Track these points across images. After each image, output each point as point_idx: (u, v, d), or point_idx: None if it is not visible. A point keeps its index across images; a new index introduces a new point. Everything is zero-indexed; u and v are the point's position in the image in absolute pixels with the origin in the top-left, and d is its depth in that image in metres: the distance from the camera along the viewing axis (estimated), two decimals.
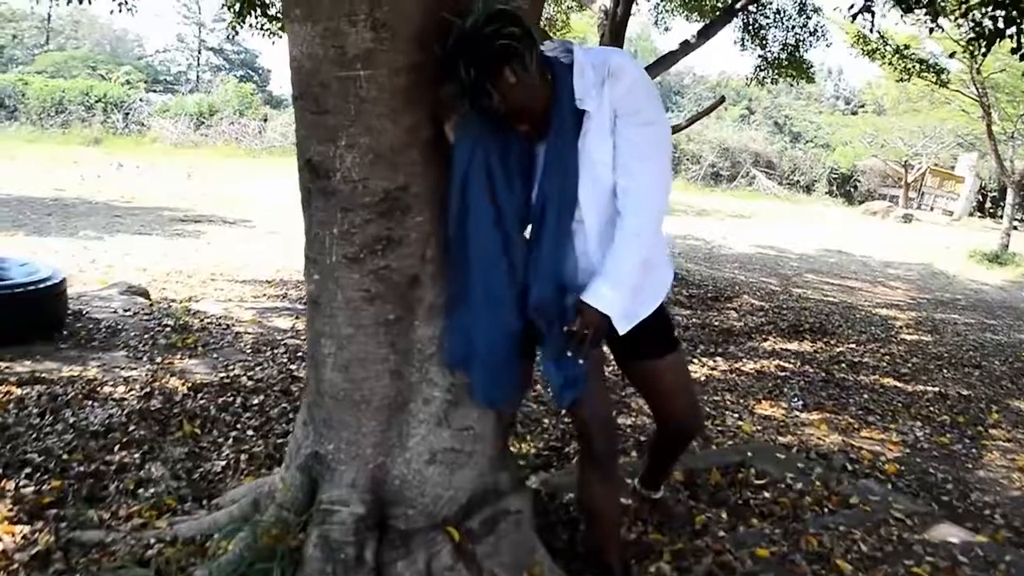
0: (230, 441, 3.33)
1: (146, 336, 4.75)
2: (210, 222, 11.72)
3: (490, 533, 2.17)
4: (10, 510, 2.60)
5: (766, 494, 3.10)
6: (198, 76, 47.25)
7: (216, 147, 27.59)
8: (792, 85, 11.68)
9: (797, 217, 21.99)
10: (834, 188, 32.00)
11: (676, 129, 9.42)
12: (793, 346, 6.39)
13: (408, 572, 2.04)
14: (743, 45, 10.69)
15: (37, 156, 18.92)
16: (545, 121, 1.91)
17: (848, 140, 32.01)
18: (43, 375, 3.88)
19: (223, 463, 3.10)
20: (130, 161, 20.34)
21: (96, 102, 29.12)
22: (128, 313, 5.25)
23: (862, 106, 37.25)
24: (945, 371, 6.08)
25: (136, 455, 3.12)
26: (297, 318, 5.67)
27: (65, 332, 4.63)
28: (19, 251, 6.74)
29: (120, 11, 7.01)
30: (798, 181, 31.54)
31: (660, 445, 2.59)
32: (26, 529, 2.49)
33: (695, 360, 5.53)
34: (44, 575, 2.24)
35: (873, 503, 3.07)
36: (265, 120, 30.95)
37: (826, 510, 3.00)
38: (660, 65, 8.74)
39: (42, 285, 4.41)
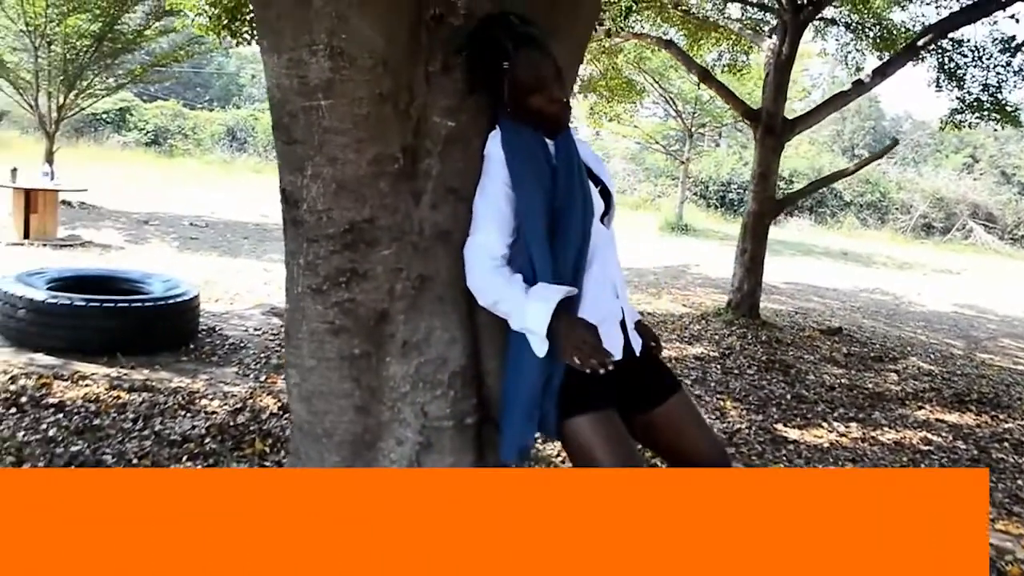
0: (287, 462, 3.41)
1: (262, 355, 5.01)
2: None
3: None
4: None
5: None
6: None
7: None
8: (996, 129, 10.61)
9: (1015, 276, 19.85)
10: None
11: (843, 175, 8.80)
12: (951, 417, 5.70)
13: None
14: (938, 86, 9.86)
15: (259, 184, 20.67)
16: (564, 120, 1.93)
17: None
18: (153, 384, 4.18)
19: None
20: None
21: None
22: (257, 332, 5.58)
23: None
24: None
25: (198, 466, 3.27)
26: None
27: (192, 346, 4.97)
28: (201, 269, 7.37)
29: None
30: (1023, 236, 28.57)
31: None
32: None
33: (823, 423, 5.07)
34: None
35: None
36: None
37: None
38: (830, 105, 8.22)
39: (173, 300, 4.77)
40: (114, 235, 10.24)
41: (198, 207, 14.28)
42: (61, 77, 12.24)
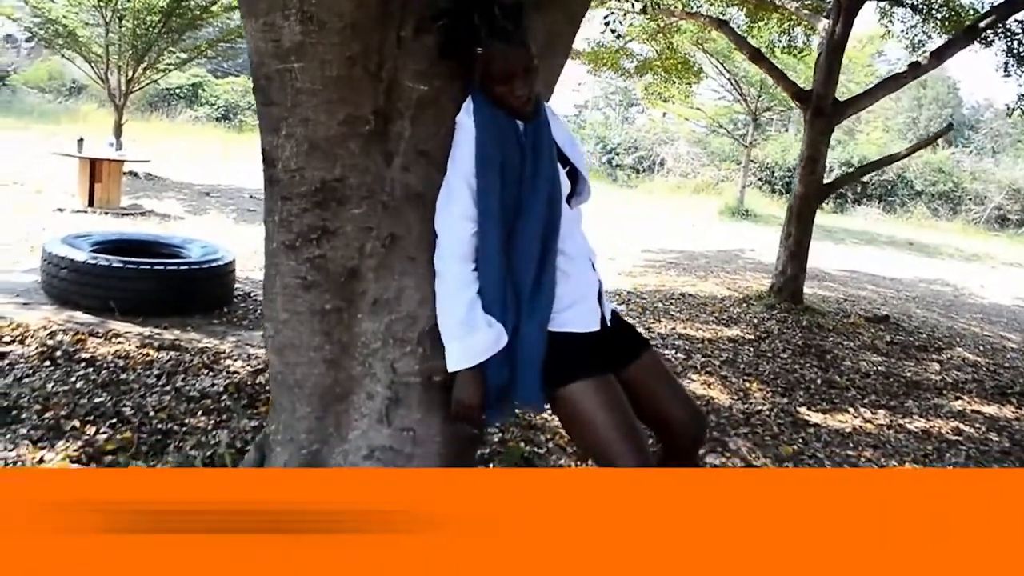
0: None
1: None
2: None
3: None
4: (76, 450, 2.96)
5: None
6: None
7: None
8: None
9: None
10: None
11: (896, 158, 8.55)
12: (990, 409, 5.55)
13: None
14: (1006, 71, 9.50)
15: None
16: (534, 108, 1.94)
17: None
18: (182, 343, 4.35)
19: None
20: None
21: None
22: None
23: None
24: None
25: (212, 421, 3.41)
26: None
27: (226, 309, 5.15)
28: (253, 240, 7.59)
29: None
30: None
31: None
32: (75, 467, 2.82)
33: (850, 409, 4.99)
34: None
35: None
36: None
37: None
38: (883, 88, 7.99)
39: (209, 265, 4.94)
40: (175, 205, 10.57)
41: (260, 181, 14.57)
42: (130, 51, 12.63)
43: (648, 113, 31.67)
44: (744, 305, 7.87)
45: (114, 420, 3.28)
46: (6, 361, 3.85)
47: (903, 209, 26.88)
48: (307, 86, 1.91)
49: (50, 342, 4.13)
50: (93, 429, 3.17)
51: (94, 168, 9.89)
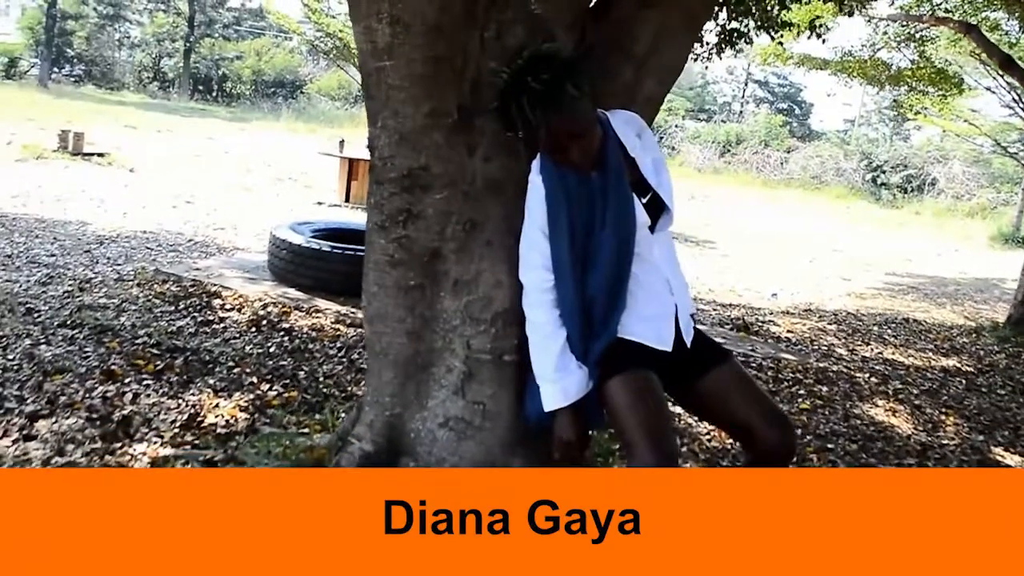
0: None
1: None
2: (673, 239, 12.35)
3: None
4: (246, 402, 3.43)
5: None
6: (741, 107, 48.96)
7: (736, 175, 28.50)
8: None
9: None
10: None
11: None
12: None
13: None
14: None
15: None
16: (597, 158, 1.98)
17: None
18: None
19: None
20: None
21: None
22: None
23: None
24: None
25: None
26: None
27: None
28: None
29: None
30: None
31: None
32: (242, 416, 3.27)
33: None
34: (222, 445, 2.96)
35: None
36: (788, 152, 31.08)
37: None
38: None
39: None
40: None
41: None
42: None
43: (924, 130, 29.24)
44: (973, 336, 7.15)
45: (287, 381, 3.74)
46: (222, 325, 4.49)
47: None
48: (396, 82, 2.13)
49: (261, 312, 4.74)
50: (267, 386, 3.64)
51: (352, 167, 11.00)
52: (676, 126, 33.64)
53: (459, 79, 2.14)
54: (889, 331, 7.01)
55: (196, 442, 3.00)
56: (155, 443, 2.96)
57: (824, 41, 6.34)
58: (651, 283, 2.06)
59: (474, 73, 2.15)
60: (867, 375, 5.32)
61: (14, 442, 2.88)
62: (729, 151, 31.35)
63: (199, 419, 3.22)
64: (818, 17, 6.51)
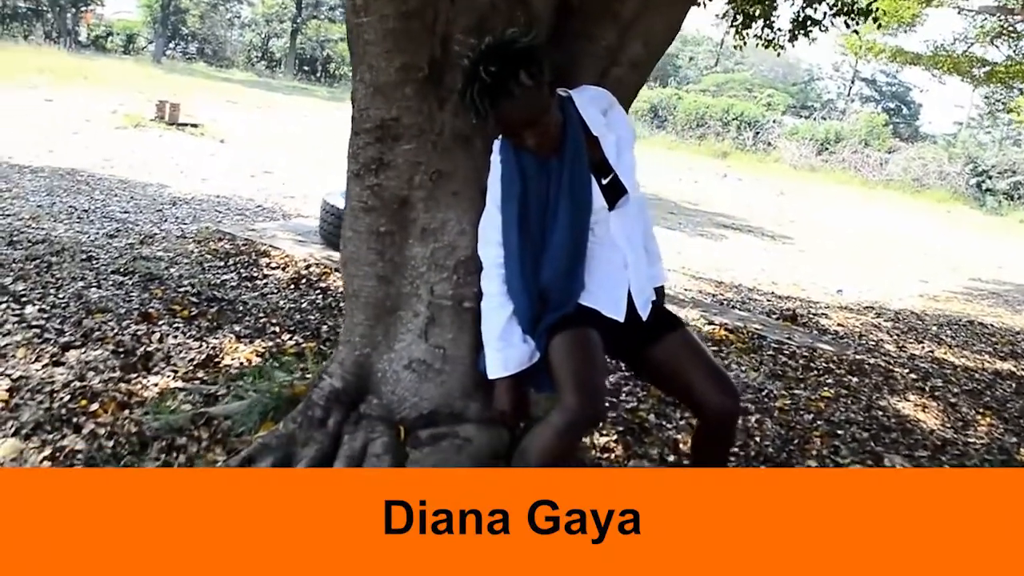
0: None
1: None
2: (748, 232, 12.16)
3: (430, 446, 2.38)
4: (263, 349, 3.63)
5: None
6: (846, 105, 47.33)
7: (833, 173, 27.68)
8: None
9: None
10: None
11: None
12: None
13: (348, 446, 2.40)
14: None
15: (666, 160, 21.47)
16: (555, 143, 2.05)
17: None
18: None
19: None
20: (740, 175, 21.84)
21: (732, 119, 31.61)
22: None
23: None
24: None
25: None
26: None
27: None
28: None
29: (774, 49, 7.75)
30: None
31: (704, 444, 2.35)
32: (257, 360, 3.47)
33: None
34: (229, 383, 3.15)
35: None
36: (890, 152, 29.99)
37: None
38: None
39: None
40: None
41: None
42: None
43: None
44: None
45: (308, 333, 3.93)
46: (264, 281, 4.73)
47: None
48: (371, 38, 2.24)
49: (303, 272, 4.97)
50: (288, 336, 3.83)
51: None
52: (774, 121, 32.79)
53: (430, 35, 2.23)
54: (948, 332, 6.77)
55: (205, 378, 3.21)
56: (168, 376, 3.19)
57: (914, 31, 6.14)
58: (607, 259, 2.14)
59: (444, 28, 2.24)
60: (906, 371, 5.18)
61: (44, 367, 3.15)
62: (827, 149, 30.41)
63: (216, 360, 3.43)
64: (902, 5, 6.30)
